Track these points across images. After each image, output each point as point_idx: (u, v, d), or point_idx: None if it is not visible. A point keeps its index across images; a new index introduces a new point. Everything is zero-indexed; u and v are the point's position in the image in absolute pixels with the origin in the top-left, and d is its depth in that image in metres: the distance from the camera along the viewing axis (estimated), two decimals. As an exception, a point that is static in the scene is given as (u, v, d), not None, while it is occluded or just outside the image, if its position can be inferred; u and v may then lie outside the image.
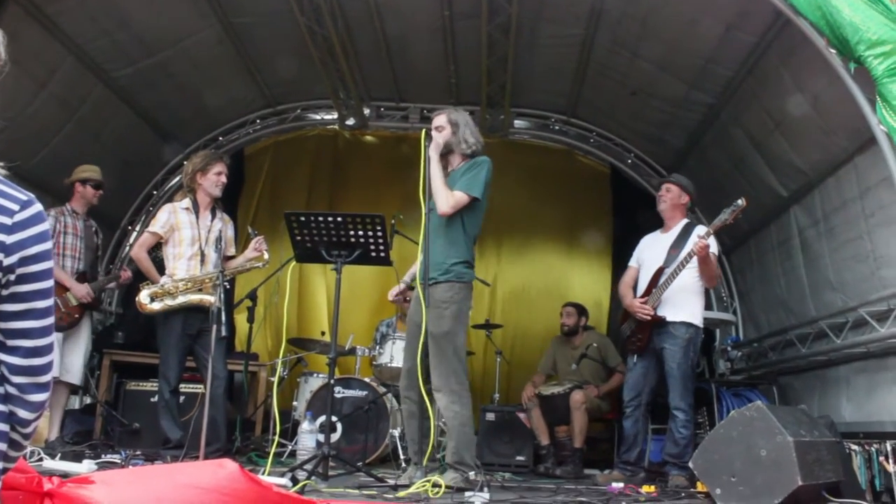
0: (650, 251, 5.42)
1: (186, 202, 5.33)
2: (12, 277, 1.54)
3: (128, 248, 7.91)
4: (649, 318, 5.10)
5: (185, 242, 5.22)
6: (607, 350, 6.57)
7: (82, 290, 5.59)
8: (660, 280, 5.17)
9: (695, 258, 4.93)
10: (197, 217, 5.29)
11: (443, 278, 4.29)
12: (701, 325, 5.23)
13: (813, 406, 5.53)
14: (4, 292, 1.54)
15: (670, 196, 5.41)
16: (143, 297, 5.09)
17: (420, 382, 4.14)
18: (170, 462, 4.63)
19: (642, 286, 5.32)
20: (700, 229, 5.20)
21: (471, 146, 4.45)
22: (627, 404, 5.28)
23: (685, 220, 5.42)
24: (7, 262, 1.52)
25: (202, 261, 5.19)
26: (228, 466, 2.63)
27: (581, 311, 6.83)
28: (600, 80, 6.99)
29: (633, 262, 5.57)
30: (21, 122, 5.70)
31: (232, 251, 5.50)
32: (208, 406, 4.53)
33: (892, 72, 3.98)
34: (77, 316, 5.61)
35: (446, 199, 4.28)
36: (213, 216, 5.35)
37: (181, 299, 5.06)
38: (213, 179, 5.31)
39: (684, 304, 5.14)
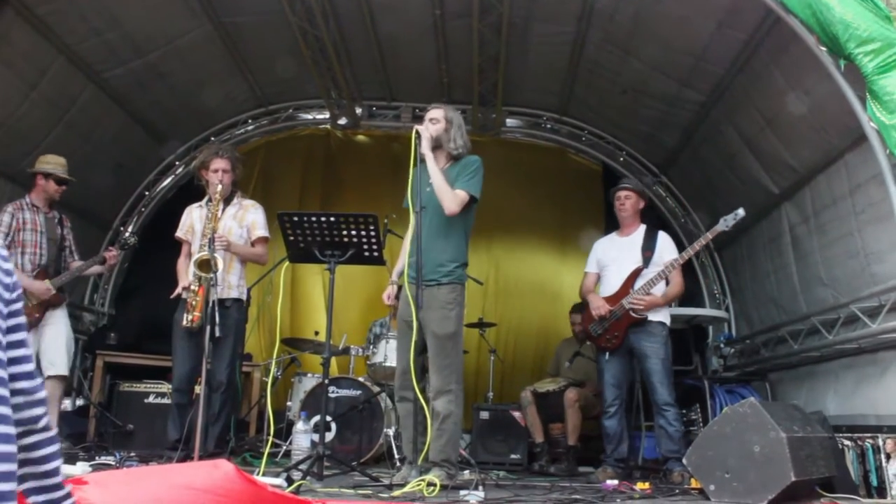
0: (613, 253, 5.51)
1: (205, 199, 5.29)
2: None
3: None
4: (643, 307, 5.18)
5: (197, 239, 5.17)
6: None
7: (41, 287, 5.39)
8: (637, 281, 5.28)
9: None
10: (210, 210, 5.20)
11: (445, 280, 4.36)
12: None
13: (800, 401, 5.55)
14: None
15: (630, 203, 5.54)
16: (185, 321, 4.93)
17: (414, 381, 4.16)
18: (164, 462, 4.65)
19: (614, 286, 5.39)
20: (664, 235, 5.49)
21: (458, 147, 4.50)
22: (612, 403, 5.29)
23: (643, 225, 5.55)
24: None
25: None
26: (224, 467, 2.63)
27: None
28: (592, 79, 7.01)
29: (591, 269, 5.63)
30: (11, 123, 5.69)
31: (258, 233, 5.28)
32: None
33: (883, 69, 4.00)
34: (37, 315, 5.38)
35: (452, 198, 4.34)
36: (227, 205, 5.26)
37: (201, 303, 4.88)
38: (212, 177, 5.21)
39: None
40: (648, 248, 5.38)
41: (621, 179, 6.01)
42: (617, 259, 5.45)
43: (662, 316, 5.29)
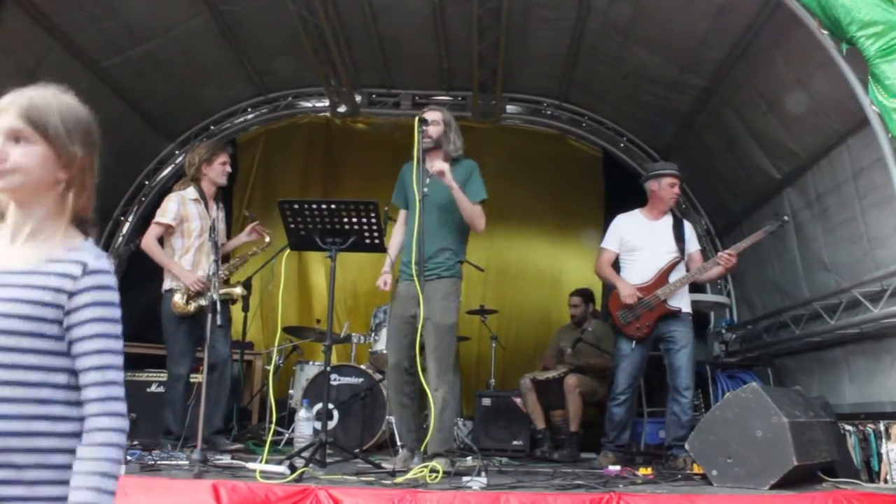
0: (645, 237, 5.30)
1: (193, 192, 5.27)
2: None
3: (120, 239, 7.88)
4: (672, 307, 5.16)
5: (194, 234, 5.19)
6: (604, 335, 6.53)
7: None
8: (672, 273, 5.19)
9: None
10: (206, 208, 5.27)
11: (447, 274, 4.47)
12: None
13: (812, 388, 5.55)
14: None
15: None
16: (179, 299, 5.08)
17: (419, 373, 4.18)
18: (168, 450, 4.68)
19: (647, 274, 5.20)
20: (689, 226, 5.48)
21: (457, 149, 4.60)
22: (623, 391, 5.18)
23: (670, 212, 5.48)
24: None
25: (208, 251, 5.15)
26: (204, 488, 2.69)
27: (587, 297, 6.82)
28: (592, 64, 6.97)
29: (613, 247, 5.38)
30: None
31: (223, 240, 5.45)
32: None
33: (885, 52, 3.98)
34: None
35: (480, 216, 4.55)
36: (217, 206, 5.37)
37: (214, 296, 4.94)
38: (219, 169, 5.31)
39: (686, 295, 5.28)
40: (681, 238, 5.27)
41: (657, 164, 5.86)
42: (649, 245, 5.27)
43: (688, 306, 5.26)
